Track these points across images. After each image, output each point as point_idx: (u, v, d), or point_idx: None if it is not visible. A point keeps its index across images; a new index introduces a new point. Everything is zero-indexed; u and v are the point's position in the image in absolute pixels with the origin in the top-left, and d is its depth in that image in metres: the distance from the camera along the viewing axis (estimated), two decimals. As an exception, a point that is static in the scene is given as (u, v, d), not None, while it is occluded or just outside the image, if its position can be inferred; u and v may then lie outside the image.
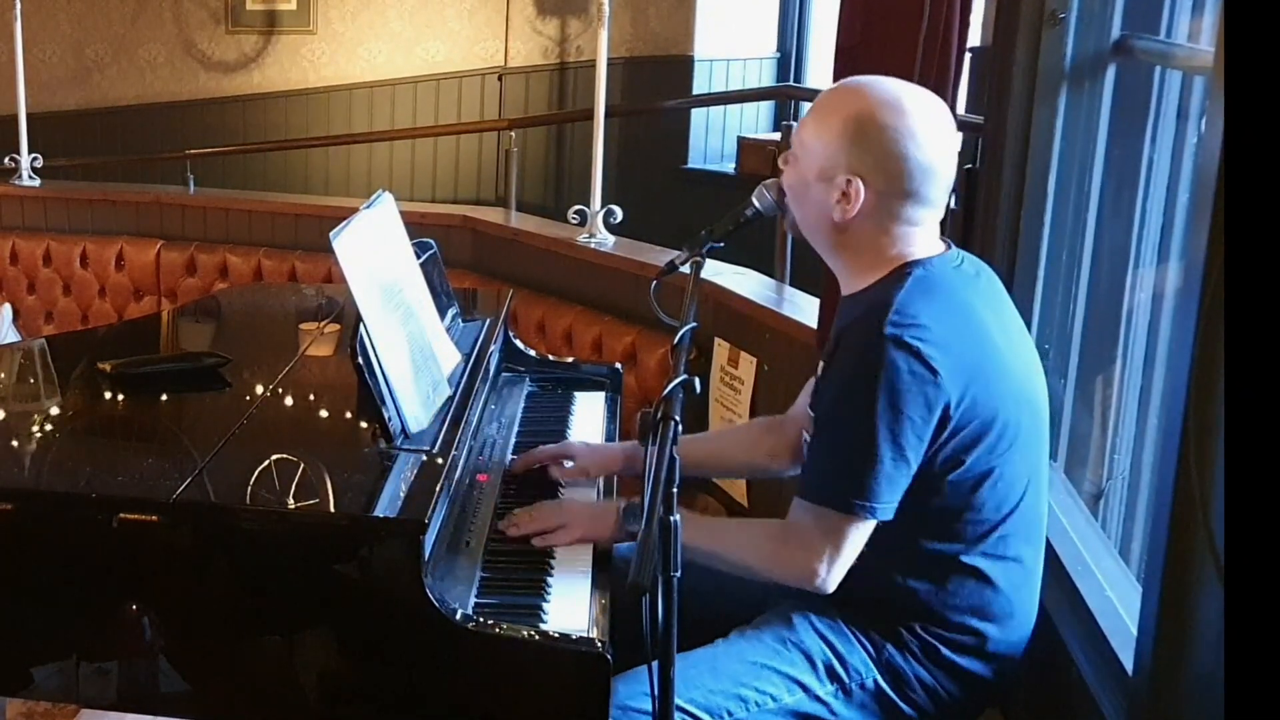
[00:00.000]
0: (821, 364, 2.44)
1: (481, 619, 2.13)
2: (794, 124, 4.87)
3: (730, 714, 2.27)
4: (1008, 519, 2.31)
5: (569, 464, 2.81)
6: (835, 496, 2.22)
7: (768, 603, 2.49)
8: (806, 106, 6.49)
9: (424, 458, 2.38)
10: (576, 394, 3.34)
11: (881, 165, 2.23)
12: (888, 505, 2.21)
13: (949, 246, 2.37)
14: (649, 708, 1.96)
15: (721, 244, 2.49)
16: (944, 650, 2.34)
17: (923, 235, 2.32)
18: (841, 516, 2.22)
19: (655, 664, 1.89)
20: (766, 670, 2.32)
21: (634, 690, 2.20)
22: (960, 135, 2.34)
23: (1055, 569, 2.57)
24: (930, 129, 2.25)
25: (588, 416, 3.22)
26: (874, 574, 2.30)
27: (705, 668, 2.30)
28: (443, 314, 2.95)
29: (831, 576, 2.25)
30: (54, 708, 3.48)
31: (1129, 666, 2.13)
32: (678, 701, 2.18)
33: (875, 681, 2.34)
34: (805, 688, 2.32)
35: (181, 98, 8.53)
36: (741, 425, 3.94)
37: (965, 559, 2.31)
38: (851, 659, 2.35)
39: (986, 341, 2.27)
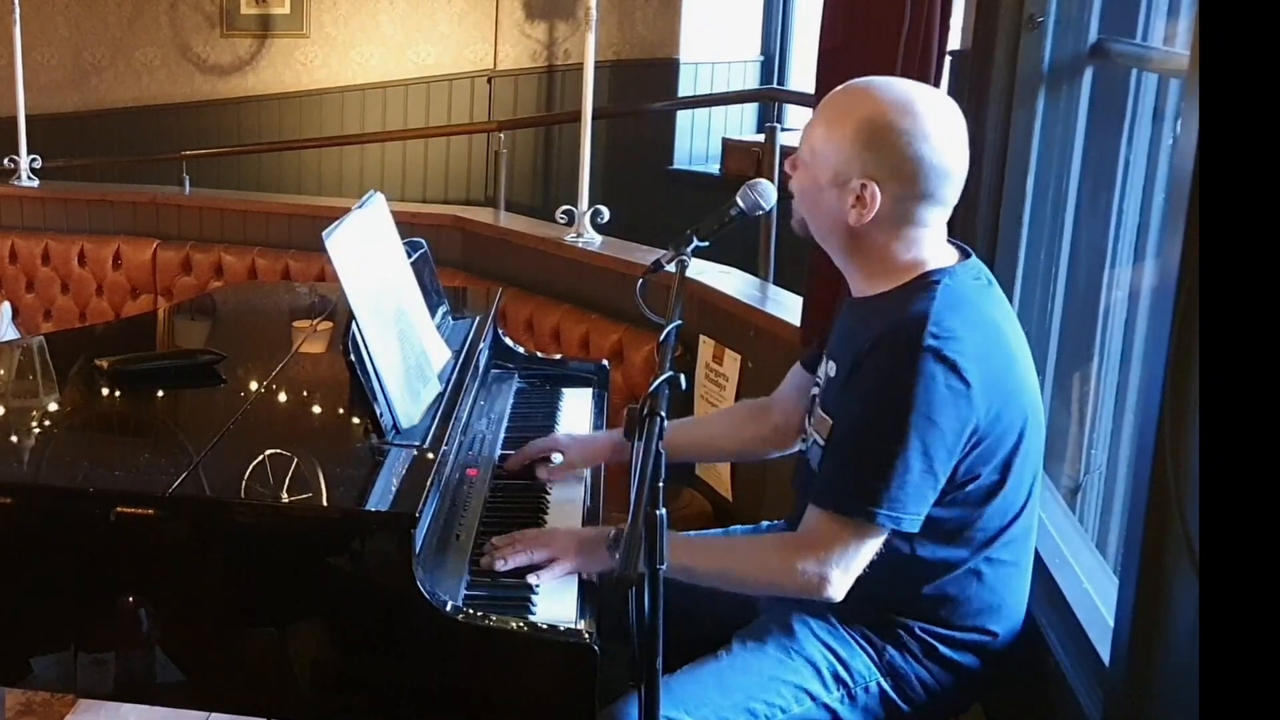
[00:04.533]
0: (833, 364, 2.42)
1: (471, 610, 2.13)
2: (778, 125, 4.96)
3: None
4: (1011, 526, 2.32)
5: (557, 458, 2.80)
6: (859, 505, 2.18)
7: (752, 615, 2.49)
8: (790, 109, 6.56)
9: (415, 453, 2.37)
10: (564, 390, 3.35)
11: (897, 169, 2.20)
12: (914, 517, 2.19)
13: (964, 254, 2.35)
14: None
15: (706, 243, 2.49)
16: (942, 648, 2.35)
17: (934, 237, 2.31)
18: (861, 525, 2.19)
19: (642, 657, 1.89)
20: (774, 681, 2.30)
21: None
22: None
23: (1034, 562, 2.56)
24: (942, 129, 2.23)
25: (575, 413, 3.22)
26: (877, 579, 2.27)
27: (712, 683, 2.29)
28: (433, 312, 2.96)
29: (842, 585, 2.22)
30: (52, 698, 3.49)
31: (1106, 657, 2.15)
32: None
33: (878, 684, 2.35)
34: (813, 696, 2.32)
35: (177, 100, 8.54)
36: (726, 410, 3.94)
37: (970, 565, 2.32)
38: (854, 663, 2.35)
39: (1009, 355, 2.28)
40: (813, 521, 2.26)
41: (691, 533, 2.77)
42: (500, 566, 2.34)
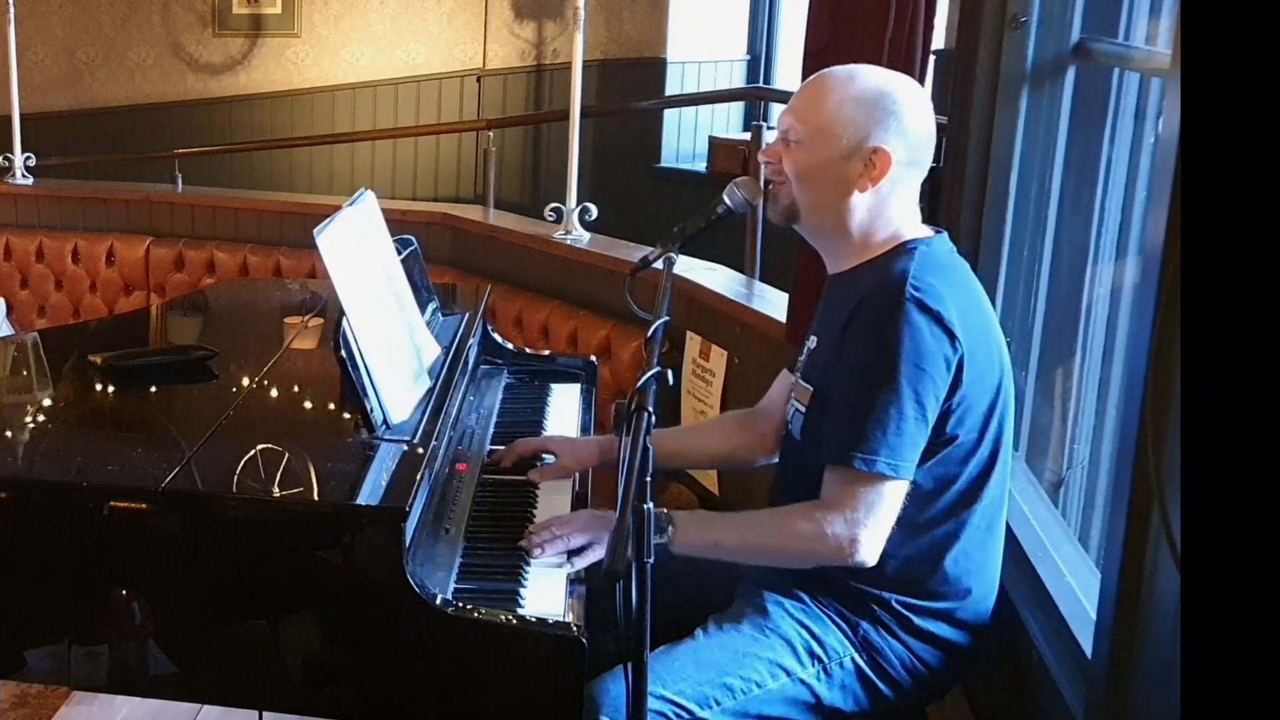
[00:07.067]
0: (815, 337, 2.49)
1: (460, 604, 2.15)
2: (764, 124, 4.97)
3: (718, 703, 2.29)
4: (985, 489, 2.37)
5: (549, 459, 2.81)
6: (860, 456, 2.23)
7: (729, 598, 2.51)
8: (776, 107, 6.56)
9: (405, 448, 2.39)
10: (553, 386, 3.36)
11: (903, 134, 2.34)
12: (908, 464, 2.25)
13: (935, 233, 2.44)
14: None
15: (693, 240, 2.50)
16: (916, 620, 2.38)
17: (913, 211, 2.43)
18: (869, 476, 2.24)
19: (630, 648, 1.92)
20: (749, 657, 2.34)
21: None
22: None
23: (1016, 555, 2.60)
24: (923, 102, 2.39)
25: (564, 408, 3.24)
26: None
27: (689, 660, 2.32)
28: (423, 308, 2.97)
29: (871, 546, 2.26)
30: (47, 690, 3.48)
31: (1088, 650, 2.17)
32: (666, 694, 2.23)
33: (853, 660, 2.38)
34: (788, 671, 2.35)
35: (170, 99, 8.55)
36: (714, 419, 3.95)
37: (946, 527, 2.36)
38: (828, 639, 2.38)
39: (984, 317, 2.38)
40: (829, 483, 2.31)
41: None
42: (537, 555, 2.39)
